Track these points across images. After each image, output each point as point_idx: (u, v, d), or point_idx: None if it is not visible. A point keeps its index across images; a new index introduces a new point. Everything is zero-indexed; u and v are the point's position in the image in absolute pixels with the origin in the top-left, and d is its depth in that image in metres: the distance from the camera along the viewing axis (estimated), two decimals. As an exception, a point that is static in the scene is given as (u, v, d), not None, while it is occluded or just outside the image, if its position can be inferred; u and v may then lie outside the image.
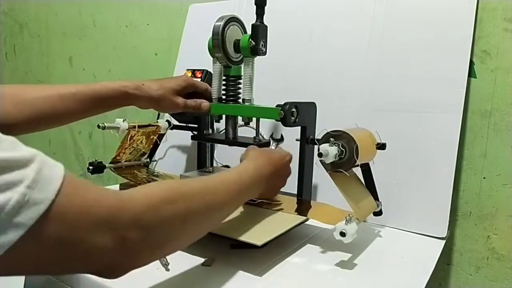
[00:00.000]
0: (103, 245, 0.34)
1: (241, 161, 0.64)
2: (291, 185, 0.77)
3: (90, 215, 0.33)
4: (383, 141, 0.65)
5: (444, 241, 0.71)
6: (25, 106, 0.59)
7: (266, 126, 0.91)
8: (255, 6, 0.70)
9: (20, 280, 0.65)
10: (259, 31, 0.69)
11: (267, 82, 0.87)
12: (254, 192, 0.61)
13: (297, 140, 0.73)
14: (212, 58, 0.75)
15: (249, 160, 0.62)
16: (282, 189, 0.79)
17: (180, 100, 0.72)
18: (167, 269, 0.55)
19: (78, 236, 0.32)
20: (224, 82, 0.76)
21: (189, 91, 0.75)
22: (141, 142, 0.93)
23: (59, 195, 0.31)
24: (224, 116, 0.78)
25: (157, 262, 0.56)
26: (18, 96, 0.59)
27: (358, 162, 0.59)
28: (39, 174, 0.30)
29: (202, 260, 0.58)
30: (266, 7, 0.70)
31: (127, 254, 0.36)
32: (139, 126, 0.89)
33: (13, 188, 0.28)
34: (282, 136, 0.87)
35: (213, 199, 0.47)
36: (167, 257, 0.56)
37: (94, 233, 0.33)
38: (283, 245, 0.64)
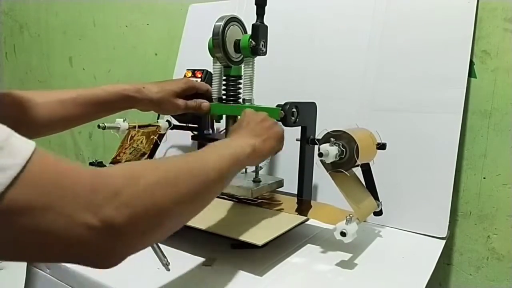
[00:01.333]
0: (85, 222, 0.30)
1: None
2: (291, 185, 0.77)
3: (66, 186, 0.30)
4: (383, 141, 0.65)
5: (444, 241, 0.71)
6: (34, 112, 0.59)
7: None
8: (255, 6, 0.69)
9: (20, 282, 0.65)
10: (260, 31, 0.69)
11: (267, 82, 0.87)
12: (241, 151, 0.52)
13: (297, 140, 0.73)
14: (212, 58, 0.75)
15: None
16: (282, 189, 0.79)
17: (180, 102, 0.72)
18: (168, 269, 0.55)
19: (56, 207, 0.29)
20: (224, 82, 0.76)
21: (190, 93, 0.75)
22: (141, 142, 0.93)
23: (30, 162, 0.28)
24: (224, 116, 0.78)
25: (157, 261, 0.56)
26: (30, 102, 0.59)
27: (358, 162, 0.59)
28: (7, 141, 0.28)
29: (202, 260, 0.58)
30: (266, 7, 0.70)
31: (114, 235, 0.32)
32: (139, 126, 0.89)
33: None
34: None
35: (198, 165, 0.43)
36: (167, 257, 0.56)
37: (73, 206, 0.30)
38: (283, 245, 0.64)
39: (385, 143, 0.65)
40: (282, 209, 0.70)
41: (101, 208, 0.31)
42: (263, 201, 0.73)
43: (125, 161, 0.92)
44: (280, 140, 0.62)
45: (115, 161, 0.90)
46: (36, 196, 0.28)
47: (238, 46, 0.72)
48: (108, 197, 0.32)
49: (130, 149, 0.91)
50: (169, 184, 0.37)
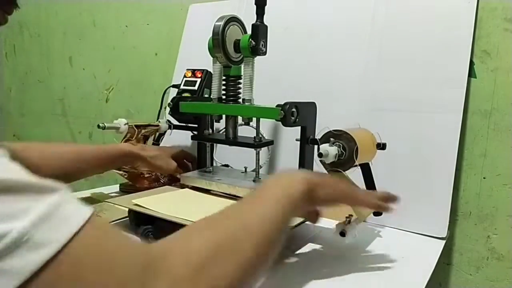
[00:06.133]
0: None
1: None
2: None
3: (112, 270, 0.26)
4: (383, 141, 0.65)
5: (444, 241, 0.71)
6: (51, 161, 0.65)
7: (266, 126, 0.90)
8: (255, 6, 0.69)
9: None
10: (259, 31, 0.69)
11: (267, 82, 0.87)
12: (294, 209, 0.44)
13: (297, 140, 0.73)
14: (212, 58, 0.75)
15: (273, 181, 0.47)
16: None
17: (173, 162, 0.82)
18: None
19: None
20: (224, 82, 0.76)
21: (180, 159, 0.87)
22: (141, 142, 0.93)
23: (76, 238, 0.24)
24: (224, 116, 0.78)
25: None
26: (44, 152, 0.65)
27: (356, 163, 0.59)
28: (55, 209, 0.24)
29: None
30: (266, 7, 0.70)
31: None
32: (139, 126, 0.89)
33: (11, 221, 0.22)
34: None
35: (260, 241, 0.37)
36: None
37: None
38: (283, 245, 0.64)
39: (385, 143, 0.65)
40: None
41: None
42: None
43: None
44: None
45: (115, 161, 0.90)
46: (75, 279, 0.24)
47: (238, 46, 0.72)
48: (163, 282, 0.28)
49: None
50: (230, 252, 0.33)
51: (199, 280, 0.30)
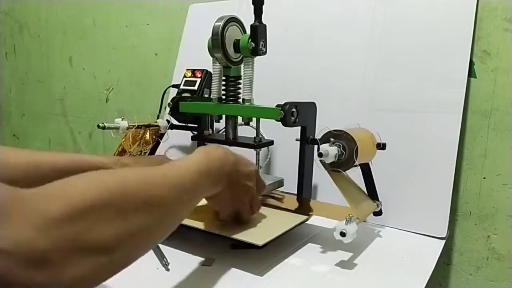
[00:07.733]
0: None
1: None
2: (291, 185, 0.77)
3: None
4: (383, 141, 0.65)
5: (444, 241, 0.71)
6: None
7: (265, 126, 0.90)
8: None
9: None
10: (258, 31, 0.69)
11: (267, 82, 0.87)
12: (202, 190, 0.47)
13: (297, 140, 0.73)
14: (212, 58, 0.75)
15: (199, 153, 0.49)
16: (282, 189, 0.79)
17: None
18: (167, 269, 0.55)
19: None
20: (224, 83, 0.76)
21: None
22: (141, 141, 0.93)
23: None
24: (224, 116, 0.78)
25: (157, 261, 0.56)
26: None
27: (356, 163, 0.59)
28: None
29: (202, 260, 0.58)
30: (266, 7, 0.70)
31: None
32: (139, 126, 0.89)
33: None
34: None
35: (156, 202, 0.36)
36: (167, 256, 0.56)
37: None
38: (283, 244, 0.64)
39: (385, 143, 0.65)
40: (282, 208, 0.70)
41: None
42: (263, 201, 0.73)
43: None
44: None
45: (115, 161, 0.90)
46: None
47: (237, 46, 0.72)
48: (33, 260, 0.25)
49: (130, 148, 0.91)
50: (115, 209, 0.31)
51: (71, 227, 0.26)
